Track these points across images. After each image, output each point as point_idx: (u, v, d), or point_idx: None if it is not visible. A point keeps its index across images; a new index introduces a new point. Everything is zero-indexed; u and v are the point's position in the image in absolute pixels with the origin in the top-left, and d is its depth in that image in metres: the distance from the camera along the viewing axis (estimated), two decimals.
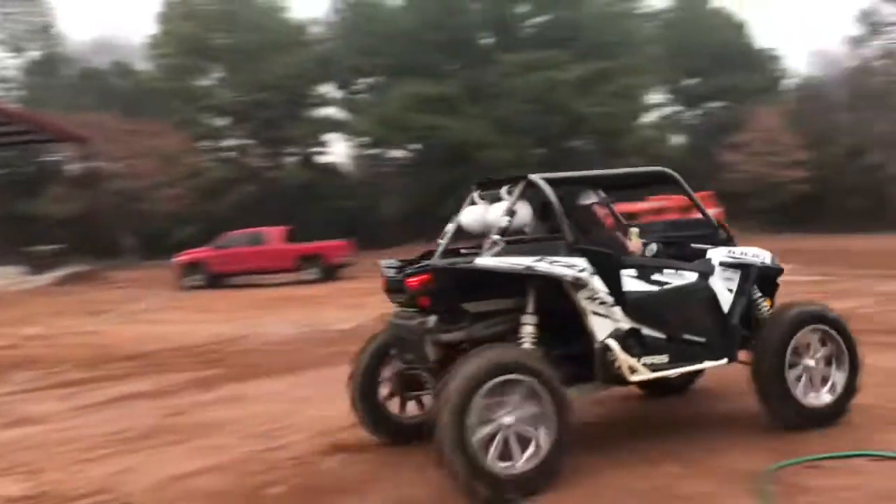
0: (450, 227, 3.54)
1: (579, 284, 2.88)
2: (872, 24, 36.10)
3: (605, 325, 2.93)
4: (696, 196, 3.60)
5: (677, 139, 38.86)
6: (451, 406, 2.60)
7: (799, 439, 3.22)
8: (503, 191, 3.25)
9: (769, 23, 67.03)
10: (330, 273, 16.76)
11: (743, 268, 3.40)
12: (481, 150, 28.10)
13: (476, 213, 3.41)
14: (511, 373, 2.67)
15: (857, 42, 35.00)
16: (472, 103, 31.74)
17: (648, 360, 3.00)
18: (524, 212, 3.23)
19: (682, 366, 3.13)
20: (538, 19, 31.65)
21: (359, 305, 10.15)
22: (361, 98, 35.01)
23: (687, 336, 3.15)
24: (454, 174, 31.37)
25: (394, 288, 3.25)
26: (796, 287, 8.79)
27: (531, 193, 3.23)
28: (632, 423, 3.85)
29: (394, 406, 3.55)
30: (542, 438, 2.73)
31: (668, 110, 40.17)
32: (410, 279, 2.98)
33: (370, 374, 3.50)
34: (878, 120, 30.16)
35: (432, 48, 31.19)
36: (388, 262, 3.36)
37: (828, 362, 3.34)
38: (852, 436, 3.28)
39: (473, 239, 3.39)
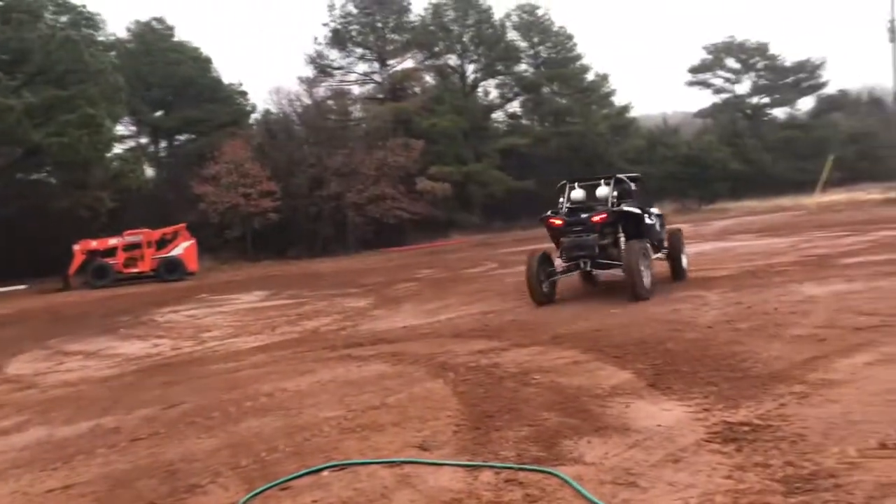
0: (562, 201, 12.02)
1: (647, 218, 11.89)
2: (321, 67, 54.72)
3: (652, 232, 12.00)
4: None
5: (149, 172, 49.42)
6: (635, 261, 10.47)
7: (272, 461, 4.74)
8: (602, 182, 11.95)
9: (233, 59, 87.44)
10: None
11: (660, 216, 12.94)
12: None
13: (581, 193, 11.96)
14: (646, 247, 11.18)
15: (310, 82, 52.48)
16: None
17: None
18: (607, 190, 11.71)
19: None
20: None
21: None
22: None
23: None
24: None
25: (573, 222, 11.36)
26: (271, 311, 14.32)
27: (611, 182, 11.87)
28: None
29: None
30: (649, 270, 11.04)
31: (136, 143, 50.68)
32: (594, 218, 11.12)
33: (538, 271, 11.35)
34: (333, 153, 46.85)
35: None
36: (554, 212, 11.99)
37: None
38: (319, 450, 4.86)
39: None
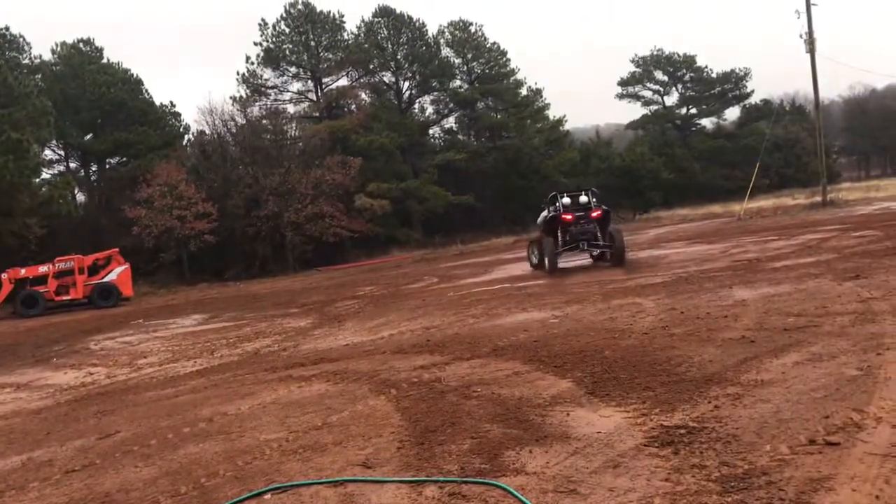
0: (557, 206, 17.77)
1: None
2: (255, 87, 54.28)
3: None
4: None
5: (80, 197, 48.25)
6: (622, 242, 17.04)
7: (212, 486, 4.68)
8: (582, 193, 18.20)
9: (163, 79, 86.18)
10: None
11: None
12: None
13: (569, 200, 17.70)
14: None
15: (244, 102, 52.00)
16: None
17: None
18: (586, 198, 17.86)
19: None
20: None
21: None
22: None
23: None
24: None
25: (579, 216, 17.27)
26: (210, 335, 14.03)
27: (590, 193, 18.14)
28: None
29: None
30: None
31: (65, 167, 49.34)
32: (593, 213, 17.33)
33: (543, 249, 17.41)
34: (269, 173, 46.42)
35: None
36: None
37: None
38: (261, 473, 4.85)
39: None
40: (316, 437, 5.67)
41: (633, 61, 66.89)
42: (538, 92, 57.76)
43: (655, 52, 66.25)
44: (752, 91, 65.58)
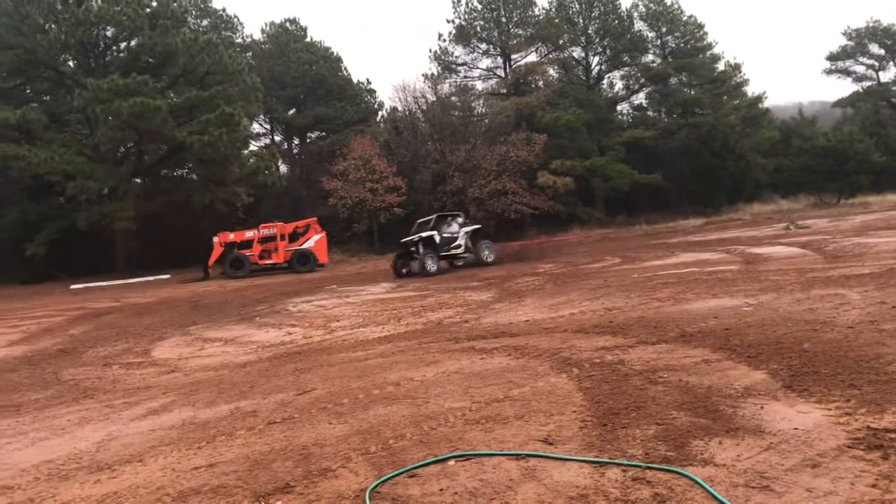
0: (417, 230, 24.00)
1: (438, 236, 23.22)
2: (446, 64, 55.31)
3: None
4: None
5: (283, 168, 51.64)
6: (485, 252, 24.22)
7: (399, 448, 4.84)
8: (451, 217, 25.16)
9: (362, 56, 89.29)
10: None
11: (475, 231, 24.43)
12: (69, 182, 35.04)
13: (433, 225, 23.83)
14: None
15: (434, 79, 53.25)
16: (55, 130, 38.44)
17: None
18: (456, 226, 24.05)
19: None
20: (126, 44, 40.43)
21: None
22: None
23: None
24: (41, 208, 37.61)
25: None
26: (397, 303, 14.71)
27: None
28: None
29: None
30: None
31: (270, 140, 52.99)
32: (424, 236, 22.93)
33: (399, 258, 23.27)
34: (456, 149, 47.33)
35: (3, 70, 36.94)
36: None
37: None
38: (445, 439, 4.90)
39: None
40: (498, 409, 5.73)
41: (844, 34, 61.54)
42: (736, 67, 54.70)
43: (871, 24, 60.47)
44: None
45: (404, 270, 23.33)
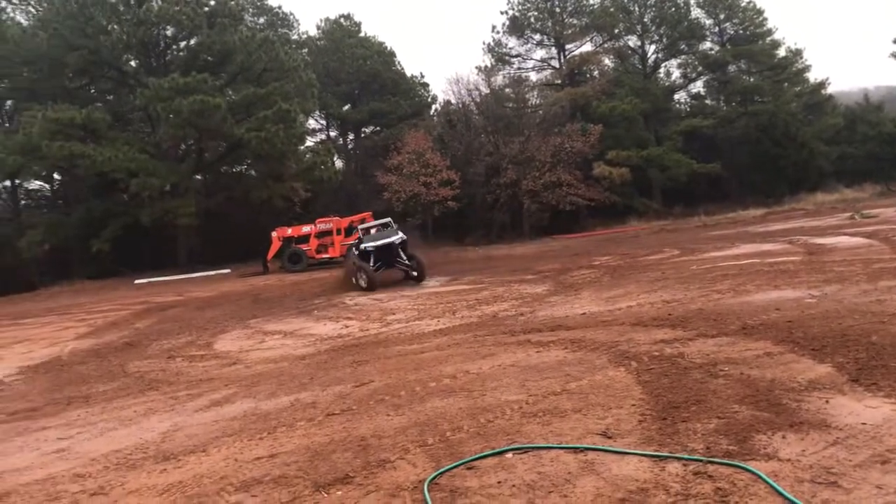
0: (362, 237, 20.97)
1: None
2: (499, 55, 55.04)
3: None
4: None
5: (338, 163, 52.21)
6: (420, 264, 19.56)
7: (456, 440, 4.87)
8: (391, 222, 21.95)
9: (415, 50, 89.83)
10: None
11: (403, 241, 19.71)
12: (133, 179, 36.06)
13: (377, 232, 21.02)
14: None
15: (488, 71, 53.02)
16: (118, 129, 39.55)
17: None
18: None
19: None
20: (185, 43, 41.37)
21: None
22: None
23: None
24: (106, 205, 38.76)
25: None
26: (451, 296, 14.65)
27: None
28: None
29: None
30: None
31: (325, 135, 53.60)
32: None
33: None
34: (509, 141, 47.09)
35: (69, 71, 38.27)
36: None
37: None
38: (502, 432, 4.93)
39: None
40: (555, 402, 5.72)
41: None
42: (797, 52, 53.08)
43: None
44: None
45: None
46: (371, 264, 19.23)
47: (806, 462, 3.97)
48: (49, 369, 11.10)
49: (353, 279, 19.42)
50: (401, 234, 20.41)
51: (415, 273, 19.60)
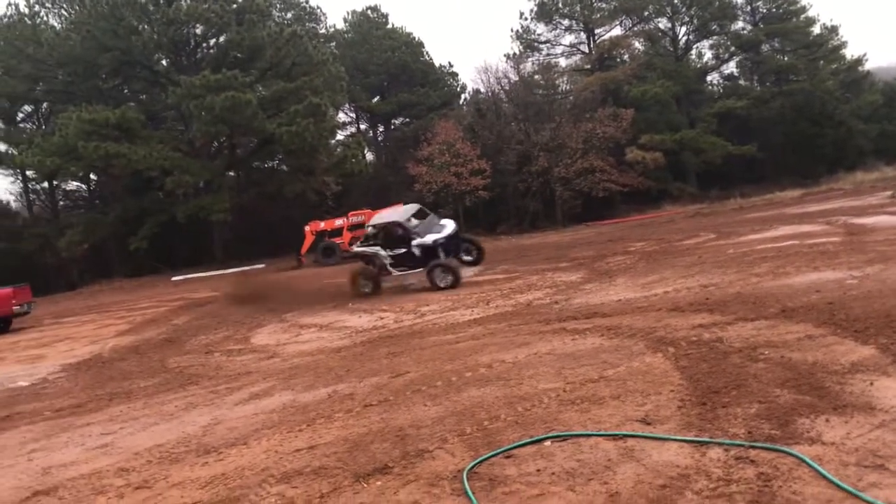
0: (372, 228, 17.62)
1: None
2: (528, 42, 54.67)
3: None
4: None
5: (369, 156, 52.27)
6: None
7: (494, 429, 4.87)
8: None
9: (443, 40, 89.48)
10: (2, 325, 19.03)
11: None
12: (167, 177, 36.59)
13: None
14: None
15: (516, 59, 52.73)
16: (152, 128, 40.15)
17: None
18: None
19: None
20: (215, 41, 41.83)
21: (38, 357, 12.78)
22: (24, 128, 41.06)
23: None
24: (142, 203, 39.40)
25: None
26: (485, 285, 14.58)
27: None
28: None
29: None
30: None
31: (356, 128, 53.76)
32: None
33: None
34: (540, 128, 46.86)
35: (103, 72, 38.92)
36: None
37: None
38: (540, 420, 4.91)
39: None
40: (593, 389, 5.69)
41: None
42: (833, 29, 51.95)
43: None
44: None
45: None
46: (441, 258, 16.08)
47: (851, 445, 3.91)
48: (91, 366, 11.32)
49: (359, 287, 16.58)
50: (448, 220, 18.35)
51: (471, 257, 18.08)
